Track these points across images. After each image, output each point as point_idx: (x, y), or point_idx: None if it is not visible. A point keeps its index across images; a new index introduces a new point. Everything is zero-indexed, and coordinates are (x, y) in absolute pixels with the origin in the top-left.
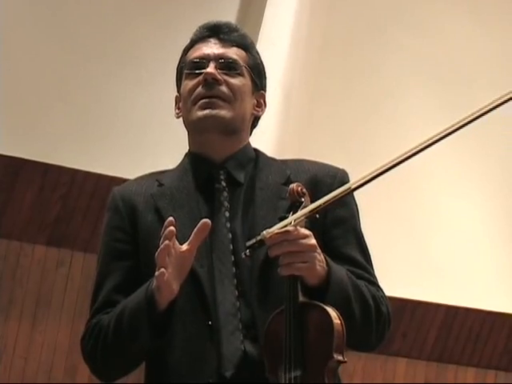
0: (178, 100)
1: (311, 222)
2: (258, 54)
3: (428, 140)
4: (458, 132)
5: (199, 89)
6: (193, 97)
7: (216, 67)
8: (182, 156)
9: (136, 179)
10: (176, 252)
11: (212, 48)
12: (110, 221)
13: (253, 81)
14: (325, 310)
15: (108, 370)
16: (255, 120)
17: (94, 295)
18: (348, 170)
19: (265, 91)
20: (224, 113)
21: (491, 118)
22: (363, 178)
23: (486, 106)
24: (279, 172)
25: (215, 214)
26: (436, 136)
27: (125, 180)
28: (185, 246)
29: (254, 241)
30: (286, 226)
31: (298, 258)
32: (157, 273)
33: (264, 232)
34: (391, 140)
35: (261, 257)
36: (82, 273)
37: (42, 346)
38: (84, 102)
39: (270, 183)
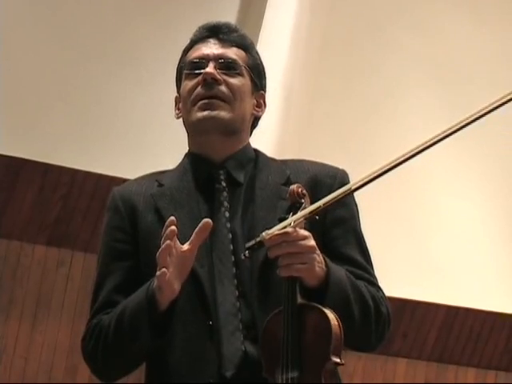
0: (177, 100)
1: (311, 222)
2: (257, 54)
3: (429, 141)
4: (458, 132)
5: (198, 89)
6: (192, 97)
7: (215, 67)
8: (182, 156)
9: (136, 179)
10: (177, 252)
11: (211, 48)
12: (110, 221)
13: (252, 81)
14: (323, 311)
15: (108, 370)
16: (255, 120)
17: (94, 295)
18: (348, 170)
19: (265, 91)
20: (223, 114)
21: (491, 118)
22: (363, 179)
23: (486, 107)
24: (279, 172)
25: (215, 214)
26: (437, 137)
27: (125, 180)
28: (186, 246)
29: (253, 242)
30: (285, 227)
31: (297, 260)
32: (158, 273)
33: (263, 233)
34: (391, 140)
35: (261, 257)
36: (82, 273)
37: (43, 345)
38: (84, 102)
39: (270, 183)
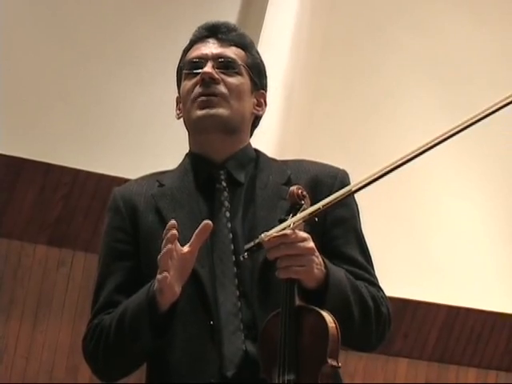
0: (178, 101)
1: (311, 223)
2: (257, 53)
3: (430, 142)
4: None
5: (197, 88)
6: (191, 96)
7: (214, 66)
8: (183, 156)
9: (137, 180)
10: (178, 254)
11: (210, 48)
12: (111, 221)
13: (252, 80)
14: (320, 314)
15: (109, 370)
16: (256, 120)
17: (95, 296)
18: (348, 170)
19: (265, 91)
20: (222, 111)
21: (491, 119)
22: (364, 181)
23: (488, 109)
24: (280, 172)
25: (216, 214)
26: (438, 138)
27: (126, 180)
28: (186, 248)
29: (251, 244)
30: (284, 228)
31: (296, 262)
32: (159, 276)
33: (262, 235)
34: (391, 140)
35: (262, 257)
36: (83, 273)
37: (43, 345)
38: (85, 102)
39: (271, 183)
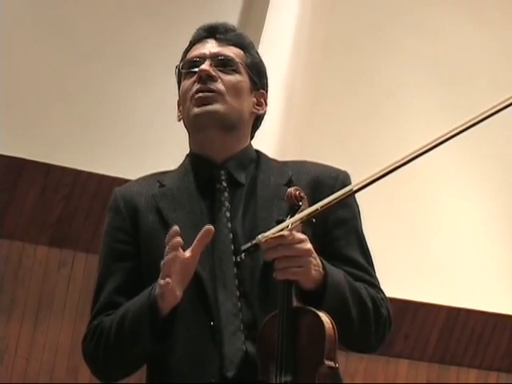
0: (179, 104)
1: (311, 224)
2: (257, 53)
3: (430, 143)
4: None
5: (194, 85)
6: (189, 94)
7: (211, 65)
8: (184, 156)
9: (137, 180)
10: (180, 259)
11: (209, 47)
12: (112, 221)
13: (251, 79)
14: (317, 315)
15: (109, 372)
16: (257, 120)
17: (95, 296)
18: (349, 171)
19: (266, 90)
20: (218, 107)
21: (491, 119)
22: (363, 181)
23: (488, 110)
24: (281, 173)
25: (216, 214)
26: (438, 139)
27: (127, 181)
28: (188, 253)
29: (249, 245)
30: (282, 229)
31: (293, 263)
32: (162, 281)
33: (259, 236)
34: (392, 141)
35: (262, 258)
36: (84, 273)
37: (44, 346)
38: (86, 103)
39: (272, 184)
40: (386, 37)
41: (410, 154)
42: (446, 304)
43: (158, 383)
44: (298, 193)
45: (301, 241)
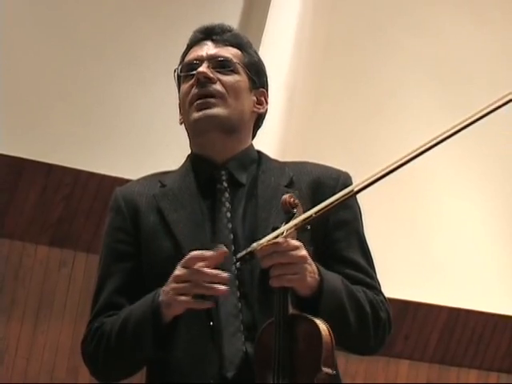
0: (180, 107)
1: (313, 225)
2: (255, 52)
3: (429, 142)
4: (459, 132)
5: (193, 89)
6: (189, 98)
7: (209, 67)
8: (185, 156)
9: (138, 180)
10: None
11: (206, 49)
12: (112, 222)
13: (250, 78)
14: (313, 322)
15: (109, 373)
16: (258, 119)
17: (95, 297)
18: (350, 171)
19: (266, 89)
20: (219, 110)
21: (491, 119)
22: (363, 183)
23: (486, 107)
24: (282, 174)
25: (216, 214)
26: (438, 138)
27: (128, 181)
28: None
29: (244, 252)
30: (277, 237)
31: (289, 270)
32: (178, 298)
33: (254, 244)
34: (393, 140)
35: None
36: (84, 273)
37: (44, 346)
38: (86, 103)
39: (273, 185)
40: (387, 37)
41: (410, 153)
42: (447, 304)
43: (157, 383)
44: (292, 200)
45: (295, 248)
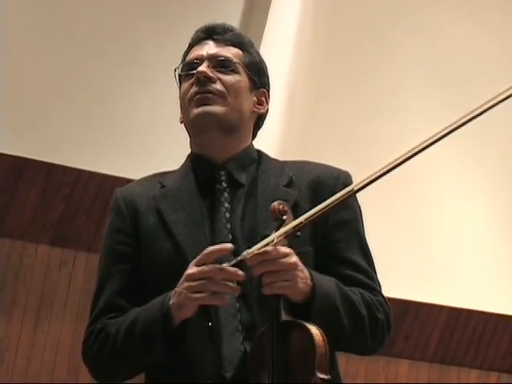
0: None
1: (313, 225)
2: (256, 52)
3: (430, 138)
4: (459, 132)
5: (193, 87)
6: (188, 96)
7: (209, 66)
8: (186, 156)
9: (139, 180)
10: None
11: (206, 49)
12: (112, 223)
13: (251, 78)
14: (306, 328)
15: (111, 375)
16: (259, 119)
17: (95, 298)
18: (350, 171)
19: (267, 89)
20: (217, 108)
21: (492, 118)
22: (362, 182)
23: (487, 102)
24: (282, 173)
25: (215, 214)
26: (438, 134)
27: (128, 180)
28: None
29: (234, 261)
30: (267, 244)
31: (280, 277)
32: (194, 295)
33: (244, 252)
34: (394, 141)
35: None
36: (85, 273)
37: (45, 345)
38: (87, 102)
39: (272, 185)
40: (387, 37)
41: (411, 151)
42: (447, 304)
43: (156, 383)
44: (281, 207)
45: (285, 255)
